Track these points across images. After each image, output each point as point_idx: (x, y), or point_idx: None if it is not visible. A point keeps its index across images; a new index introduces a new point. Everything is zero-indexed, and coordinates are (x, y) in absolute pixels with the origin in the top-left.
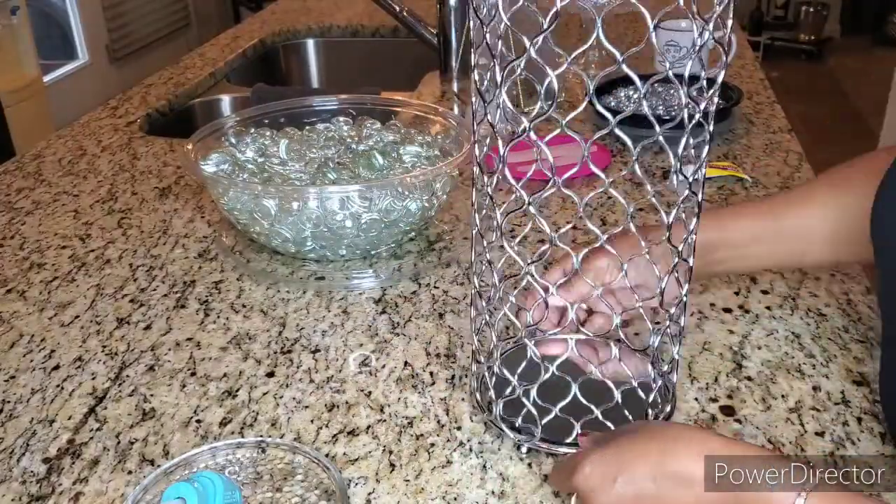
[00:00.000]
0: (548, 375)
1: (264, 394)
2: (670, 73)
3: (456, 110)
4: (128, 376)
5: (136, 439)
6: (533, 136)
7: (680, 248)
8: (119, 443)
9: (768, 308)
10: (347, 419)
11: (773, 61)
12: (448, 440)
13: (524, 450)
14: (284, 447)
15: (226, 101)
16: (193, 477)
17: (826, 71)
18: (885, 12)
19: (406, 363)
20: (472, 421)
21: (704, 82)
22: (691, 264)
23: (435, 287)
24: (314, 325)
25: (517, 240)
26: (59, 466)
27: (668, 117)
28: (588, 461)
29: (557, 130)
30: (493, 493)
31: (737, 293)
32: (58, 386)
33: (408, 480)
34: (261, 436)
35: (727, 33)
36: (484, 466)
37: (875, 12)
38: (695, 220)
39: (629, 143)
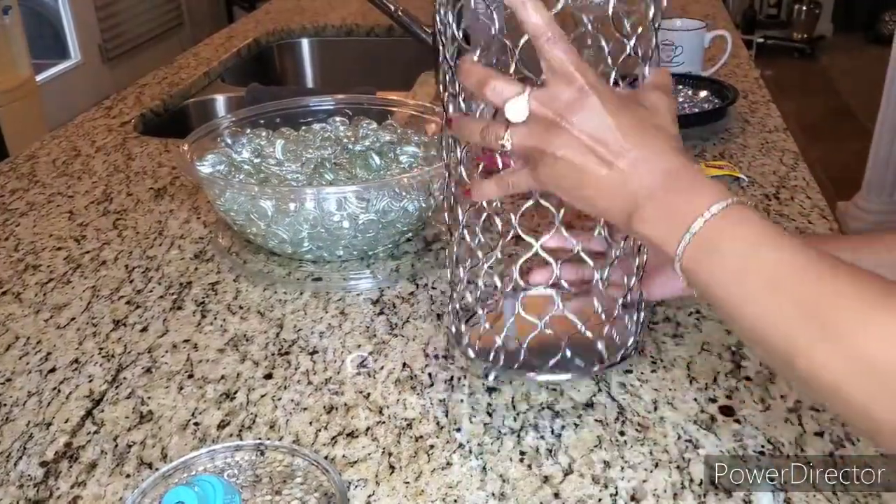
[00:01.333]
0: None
1: (262, 396)
2: None
3: (451, 110)
4: (125, 379)
5: (134, 442)
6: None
7: None
8: (117, 446)
9: None
10: (346, 421)
11: (766, 59)
12: (448, 441)
13: (491, 378)
14: (283, 450)
15: (220, 101)
16: (193, 481)
17: (819, 69)
18: (878, 10)
19: (405, 364)
20: (471, 422)
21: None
22: None
23: (433, 288)
24: (312, 327)
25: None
26: (57, 470)
27: None
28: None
29: None
30: (493, 494)
31: None
32: (54, 389)
33: (408, 482)
34: (259, 438)
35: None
36: (484, 468)
37: (867, 10)
38: None
39: None
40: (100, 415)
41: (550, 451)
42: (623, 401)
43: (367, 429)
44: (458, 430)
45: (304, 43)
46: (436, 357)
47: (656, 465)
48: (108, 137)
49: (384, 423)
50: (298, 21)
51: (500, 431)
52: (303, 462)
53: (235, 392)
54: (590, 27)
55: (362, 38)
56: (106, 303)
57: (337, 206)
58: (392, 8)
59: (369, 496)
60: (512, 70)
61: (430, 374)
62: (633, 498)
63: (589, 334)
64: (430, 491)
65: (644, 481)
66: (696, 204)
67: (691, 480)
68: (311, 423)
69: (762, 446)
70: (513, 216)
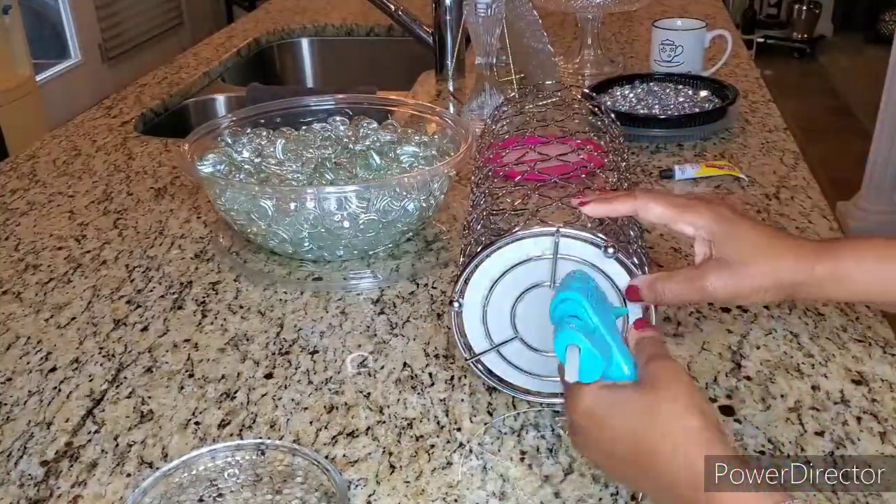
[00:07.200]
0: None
1: (263, 395)
2: None
3: (451, 109)
4: (125, 378)
5: (135, 441)
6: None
7: None
8: (117, 445)
9: (766, 307)
10: (347, 420)
11: (765, 59)
12: (448, 441)
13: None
14: (284, 449)
15: (220, 100)
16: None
17: (818, 69)
18: (877, 10)
19: (405, 364)
20: (471, 422)
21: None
22: None
23: (433, 287)
24: (312, 326)
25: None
26: (57, 469)
27: (663, 116)
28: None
29: None
30: (493, 494)
31: None
32: (55, 388)
33: (408, 482)
34: (260, 438)
35: None
36: (484, 468)
37: (867, 10)
38: None
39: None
40: (100, 414)
41: (551, 450)
42: None
43: (368, 428)
44: (459, 429)
45: (304, 43)
46: (436, 357)
47: None
48: (108, 137)
49: (384, 422)
50: (298, 21)
51: (500, 431)
52: (303, 461)
53: (236, 391)
54: (590, 25)
55: (362, 38)
56: (106, 302)
57: (337, 206)
58: (392, 8)
59: (370, 495)
60: (512, 69)
61: (430, 374)
62: (633, 497)
63: None
64: (431, 490)
65: None
66: None
67: None
68: (311, 422)
69: (762, 446)
70: None
